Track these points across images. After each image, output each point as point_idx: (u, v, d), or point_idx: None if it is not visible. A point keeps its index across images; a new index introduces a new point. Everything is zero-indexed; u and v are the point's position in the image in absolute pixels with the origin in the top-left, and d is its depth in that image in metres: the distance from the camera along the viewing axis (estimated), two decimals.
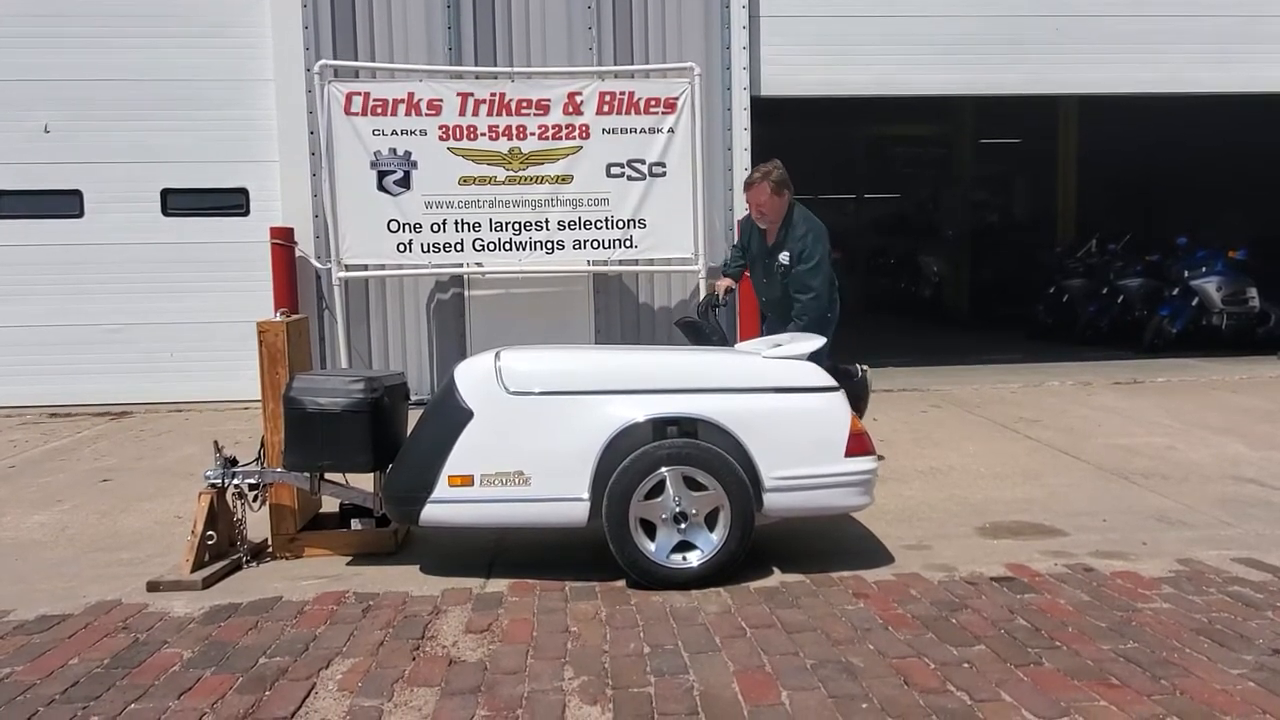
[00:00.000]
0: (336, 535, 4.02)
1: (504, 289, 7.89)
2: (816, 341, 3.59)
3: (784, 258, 5.10)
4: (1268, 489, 4.78)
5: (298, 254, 7.71)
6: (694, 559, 3.37)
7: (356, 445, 3.57)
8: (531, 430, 3.40)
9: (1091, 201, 14.35)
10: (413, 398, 8.05)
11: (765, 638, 2.90)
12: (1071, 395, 7.70)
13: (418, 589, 3.46)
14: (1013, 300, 13.66)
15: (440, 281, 7.91)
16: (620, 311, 8.04)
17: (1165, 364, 9.20)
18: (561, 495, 3.37)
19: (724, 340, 5.48)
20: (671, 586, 3.34)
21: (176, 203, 8.00)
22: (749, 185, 5.13)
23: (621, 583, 3.45)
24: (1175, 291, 10.32)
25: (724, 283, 5.37)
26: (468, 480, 3.41)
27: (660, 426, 3.37)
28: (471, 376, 3.51)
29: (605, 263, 7.30)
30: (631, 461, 3.33)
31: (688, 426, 3.39)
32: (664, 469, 3.34)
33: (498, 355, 3.54)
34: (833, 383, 3.50)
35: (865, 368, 5.69)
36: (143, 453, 6.25)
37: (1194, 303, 10.14)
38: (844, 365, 5.77)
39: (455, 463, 3.41)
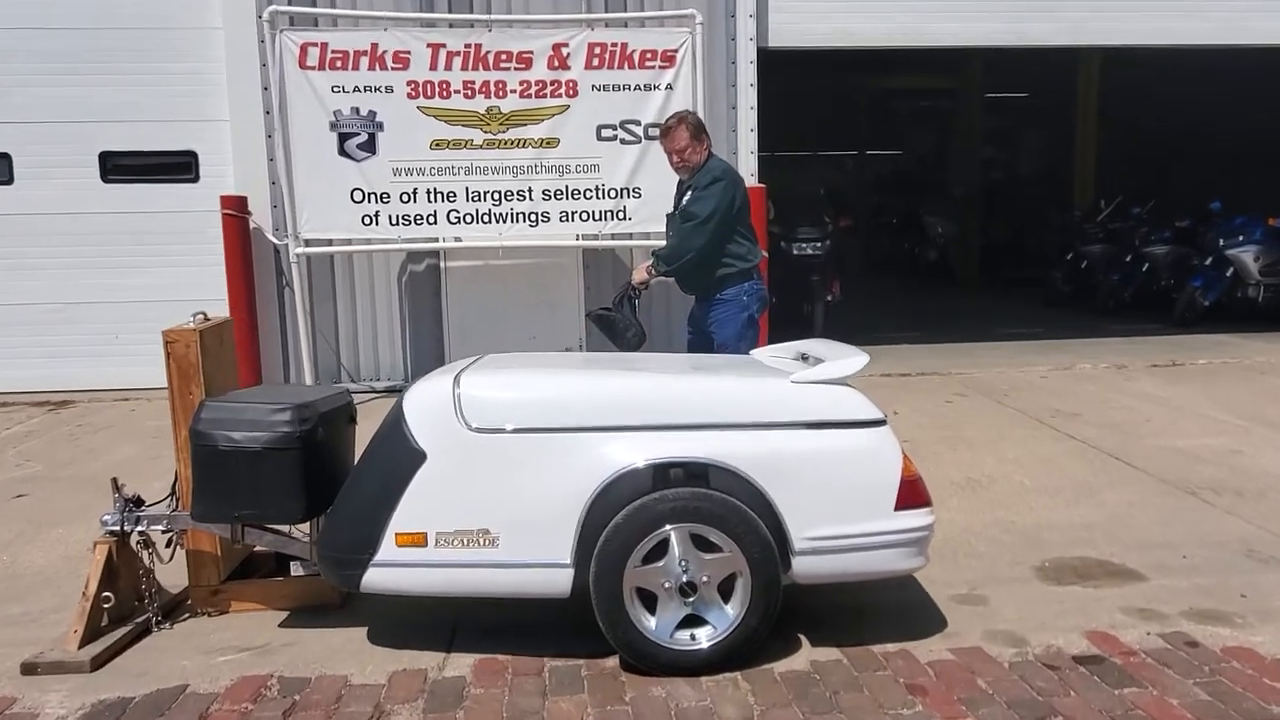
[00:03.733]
0: (270, 586, 3.33)
1: (483, 261, 7.11)
2: (858, 359, 2.86)
3: (686, 199, 4.53)
4: None
5: (253, 226, 6.91)
6: (704, 638, 2.68)
7: (284, 491, 2.86)
8: (500, 478, 2.69)
9: (1114, 161, 13.51)
10: (385, 384, 7.42)
11: None
12: (1107, 381, 7.01)
13: (359, 671, 2.78)
14: (1025, 264, 12.92)
15: (413, 255, 7.14)
16: (614, 290, 7.26)
17: (1200, 342, 8.51)
18: (538, 560, 2.67)
19: (640, 335, 4.74)
20: (676, 672, 2.67)
21: (117, 167, 7.16)
22: (666, 131, 4.64)
23: (613, 661, 2.78)
24: (1208, 261, 9.59)
25: (642, 269, 4.63)
26: (419, 540, 2.70)
27: (663, 472, 2.66)
28: (423, 407, 2.79)
29: (595, 237, 6.53)
30: (626, 518, 2.62)
31: (697, 471, 2.68)
32: (668, 526, 2.64)
33: (457, 379, 2.81)
34: (878, 414, 2.78)
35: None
36: (73, 455, 5.52)
37: (1229, 273, 9.42)
38: None
39: (404, 518, 2.70)
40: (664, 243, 4.89)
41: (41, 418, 6.59)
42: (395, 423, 2.79)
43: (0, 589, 3.55)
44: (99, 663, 2.87)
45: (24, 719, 2.54)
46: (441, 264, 7.14)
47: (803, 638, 2.91)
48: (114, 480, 3.14)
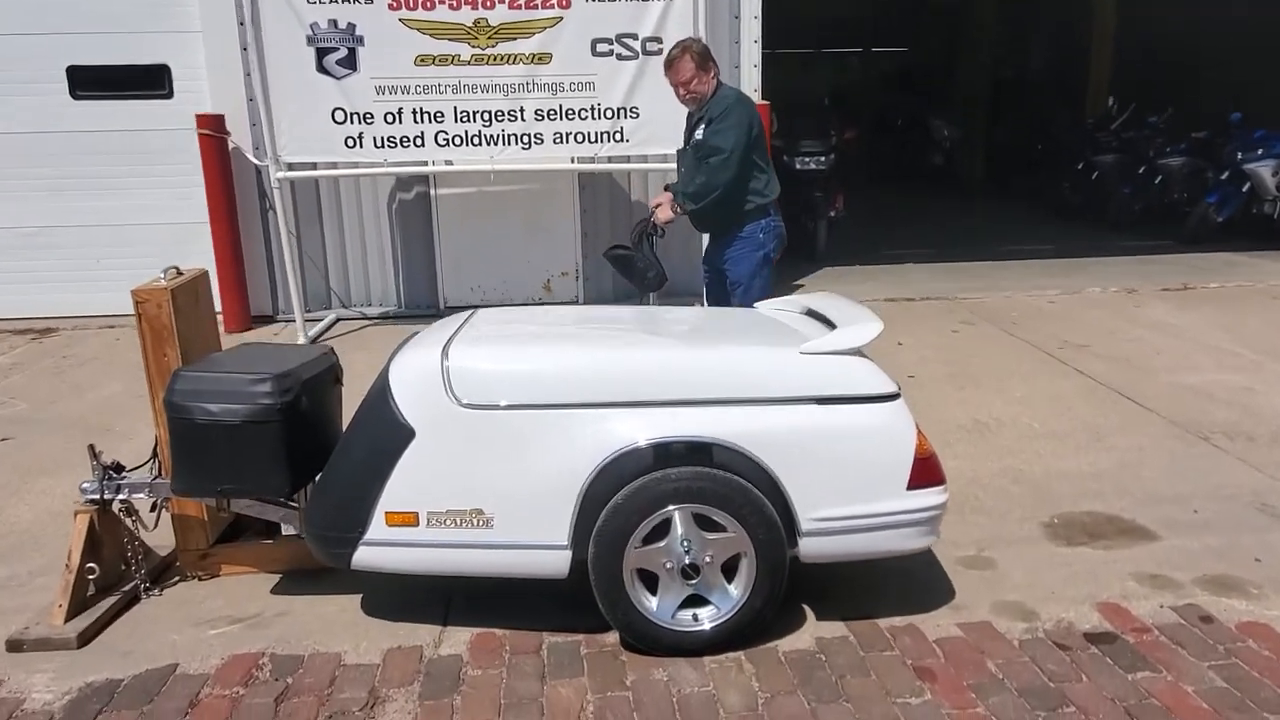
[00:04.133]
0: (260, 549, 3.24)
1: (475, 187, 6.84)
2: (870, 327, 2.69)
3: (700, 132, 4.30)
4: None
5: (231, 146, 6.59)
6: (707, 619, 2.60)
7: (267, 465, 2.73)
8: (493, 457, 2.55)
9: (1131, 65, 12.96)
10: (378, 310, 7.22)
11: None
12: (1116, 306, 6.84)
13: (353, 648, 2.71)
14: (1033, 171, 12.54)
15: (402, 178, 6.85)
16: (610, 214, 7.03)
17: (1212, 261, 8.31)
18: (534, 542, 2.56)
19: (661, 276, 4.56)
20: (678, 653, 2.60)
21: (86, 82, 6.79)
22: (669, 63, 4.40)
23: (613, 638, 2.71)
24: (1224, 175, 9.28)
25: (662, 202, 4.41)
26: (410, 519, 2.59)
27: (664, 450, 2.53)
28: (411, 382, 2.63)
29: (591, 159, 6.23)
30: (626, 499, 2.50)
31: (700, 449, 2.55)
32: (670, 507, 2.53)
33: (445, 351, 2.64)
34: (893, 387, 2.63)
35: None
36: (58, 392, 5.39)
37: (1245, 188, 9.13)
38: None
39: (394, 497, 2.58)
40: (675, 177, 4.66)
41: (25, 347, 6.43)
42: (381, 395, 2.64)
43: None
44: (86, 638, 2.79)
45: (7, 705, 2.47)
46: (431, 188, 6.87)
47: (807, 610, 2.84)
48: (91, 448, 3.01)
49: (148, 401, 3.10)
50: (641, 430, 2.52)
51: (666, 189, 4.73)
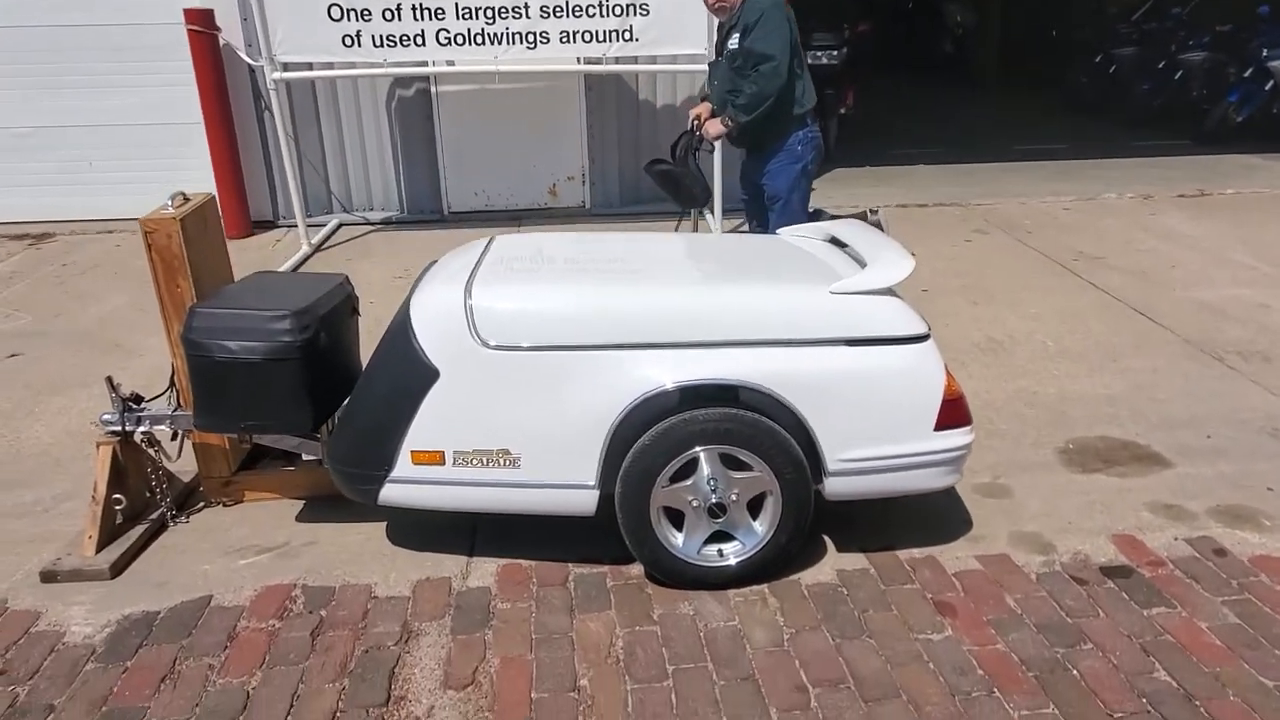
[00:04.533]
0: (284, 476, 3.25)
1: (478, 85, 6.60)
2: (902, 265, 2.63)
3: (734, 41, 4.16)
4: None
5: (222, 43, 6.32)
6: (732, 555, 2.64)
7: (288, 402, 2.71)
8: (519, 398, 2.53)
9: None
10: (380, 215, 7.06)
11: (837, 709, 2.22)
12: (1132, 214, 6.74)
13: (383, 580, 2.76)
14: (1048, 62, 12.14)
15: (402, 80, 6.60)
16: (618, 117, 6.82)
17: (1230, 164, 8.13)
18: (561, 481, 2.57)
19: (707, 192, 4.47)
20: (703, 587, 2.65)
21: None
22: None
23: (638, 569, 2.76)
24: (1247, 73, 8.99)
25: (703, 113, 4.29)
26: (436, 458, 2.59)
27: (692, 392, 2.51)
28: (434, 322, 2.58)
29: (599, 60, 5.99)
30: (654, 439, 2.50)
31: (728, 390, 2.53)
32: (697, 448, 2.53)
33: (469, 288, 2.59)
34: (923, 328, 2.60)
35: (877, 210, 4.74)
36: (61, 304, 5.33)
37: (1268, 86, 8.86)
38: (846, 212, 4.81)
39: (419, 436, 2.58)
40: (686, 79, 4.50)
41: (23, 254, 6.32)
42: (404, 334, 2.60)
43: (7, 472, 3.48)
44: (118, 568, 2.84)
45: (49, 639, 2.52)
46: (433, 89, 6.63)
47: (828, 541, 2.88)
48: (109, 380, 2.98)
49: (154, 315, 3.06)
50: (670, 372, 2.49)
51: (704, 100, 4.58)
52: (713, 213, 6.08)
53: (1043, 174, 7.97)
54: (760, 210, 4.53)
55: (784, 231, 3.34)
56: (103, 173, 6.88)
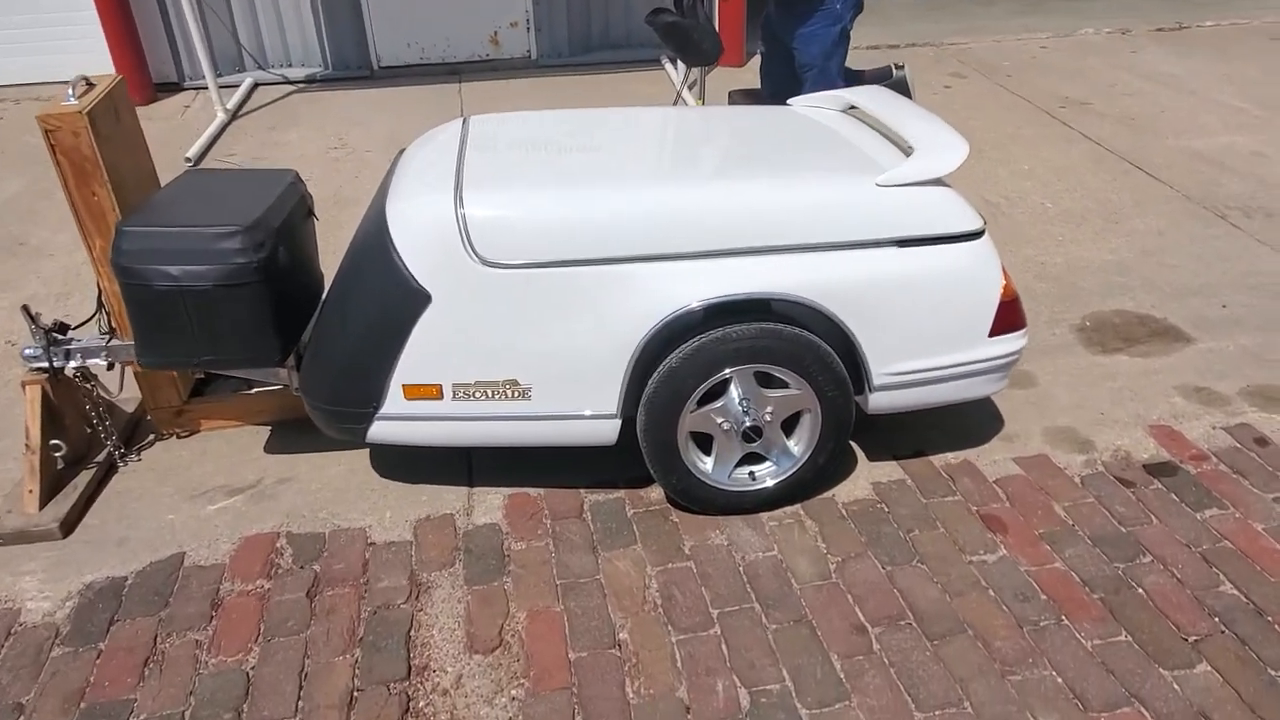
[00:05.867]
0: (243, 400, 2.89)
1: None
2: (957, 150, 2.30)
3: None
4: None
5: None
6: (766, 477, 2.42)
7: (248, 332, 2.32)
8: (526, 323, 2.19)
9: None
10: (301, 72, 6.28)
11: (901, 650, 2.07)
12: (1112, 52, 6.41)
13: (378, 522, 2.48)
14: None
15: None
16: None
17: None
18: (578, 412, 2.28)
19: (719, 46, 3.98)
20: (734, 511, 2.44)
21: None
22: None
23: (656, 493, 2.53)
24: None
25: None
26: (433, 392, 2.27)
27: (727, 308, 2.20)
28: (421, 238, 2.18)
29: None
30: (683, 361, 2.21)
31: (765, 304, 2.23)
32: (729, 370, 2.25)
33: (459, 197, 2.18)
34: (979, 222, 2.30)
35: (903, 66, 4.33)
36: None
37: None
38: (874, 68, 4.38)
39: (411, 368, 2.24)
40: None
41: None
42: (384, 252, 2.20)
43: None
44: (69, 525, 2.50)
45: (5, 619, 2.21)
46: None
47: (856, 449, 2.69)
48: (25, 310, 2.53)
49: (57, 204, 2.57)
50: (700, 285, 2.17)
51: None
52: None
53: (1015, 7, 7.52)
54: (786, 75, 4.02)
55: (796, 102, 2.95)
56: None
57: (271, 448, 2.81)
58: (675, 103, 4.87)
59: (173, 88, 6.06)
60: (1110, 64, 6.15)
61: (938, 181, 2.29)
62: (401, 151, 2.67)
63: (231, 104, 5.70)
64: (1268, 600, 2.15)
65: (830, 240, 2.21)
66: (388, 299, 2.21)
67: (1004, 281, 2.30)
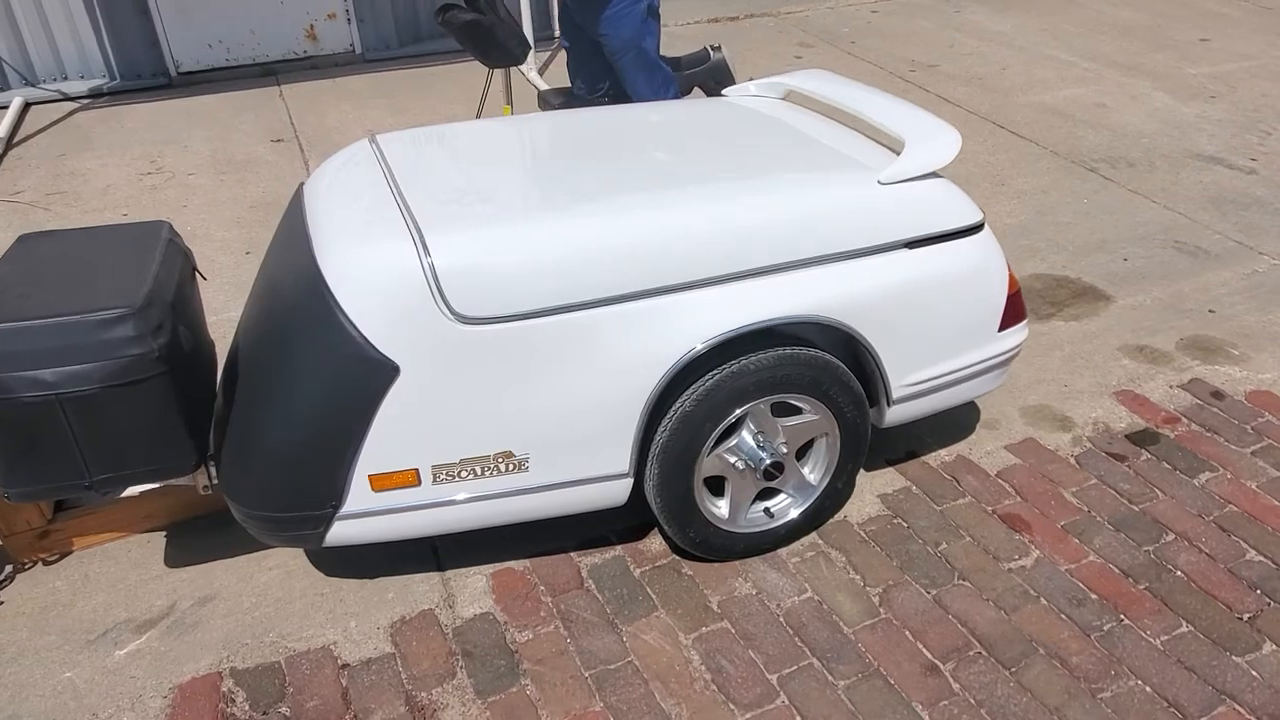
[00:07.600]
0: (123, 505, 2.35)
1: None
2: (950, 140, 2.14)
3: None
4: (1237, 172, 4.23)
5: None
6: (785, 511, 2.20)
7: (155, 439, 1.84)
8: (519, 382, 1.85)
9: None
10: (84, 84, 5.37)
11: (983, 686, 1.91)
12: (938, 14, 6.60)
13: (343, 636, 2.06)
14: None
15: None
16: None
17: None
18: (585, 476, 1.96)
19: (525, 45, 3.68)
20: (753, 553, 2.21)
21: None
22: None
23: (657, 545, 2.27)
24: None
25: None
26: (408, 479, 1.88)
27: (743, 339, 1.95)
28: (376, 296, 1.77)
29: None
30: (698, 404, 1.94)
31: (782, 329, 1.99)
32: (748, 405, 2.00)
33: (421, 242, 1.78)
34: (979, 214, 2.16)
35: (719, 47, 4.21)
36: None
37: None
38: (688, 53, 4.21)
39: (378, 455, 1.84)
40: None
41: None
42: (326, 319, 1.78)
43: None
44: None
45: None
46: None
47: None
48: None
49: None
50: (717, 316, 1.90)
51: None
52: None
53: None
54: (590, 65, 3.76)
55: (730, 93, 2.71)
56: None
57: (175, 559, 2.30)
58: (480, 107, 4.54)
59: None
60: (940, 25, 6.33)
61: (933, 174, 2.12)
62: (301, 186, 2.22)
63: (2, 131, 4.79)
64: None
65: (843, 249, 2.00)
66: (341, 375, 1.79)
67: (1009, 273, 2.19)
